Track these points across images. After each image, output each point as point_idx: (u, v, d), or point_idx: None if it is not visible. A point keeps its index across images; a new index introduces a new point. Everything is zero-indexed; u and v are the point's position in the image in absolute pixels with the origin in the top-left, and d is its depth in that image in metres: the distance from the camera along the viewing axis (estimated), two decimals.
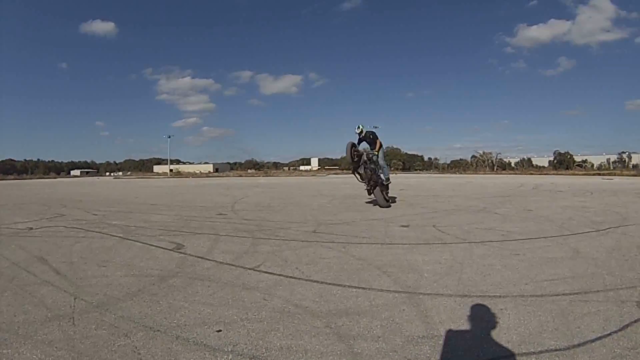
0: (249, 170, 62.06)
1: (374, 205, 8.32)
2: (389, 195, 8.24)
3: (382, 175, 8.12)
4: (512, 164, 53.22)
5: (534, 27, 79.15)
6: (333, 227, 5.67)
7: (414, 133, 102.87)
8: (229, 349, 1.84)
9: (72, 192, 15.37)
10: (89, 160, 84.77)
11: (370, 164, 7.93)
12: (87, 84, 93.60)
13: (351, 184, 19.30)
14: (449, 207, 8.10)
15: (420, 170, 55.45)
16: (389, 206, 7.88)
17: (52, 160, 78.85)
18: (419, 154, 68.15)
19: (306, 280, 3.00)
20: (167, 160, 63.05)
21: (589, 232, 5.01)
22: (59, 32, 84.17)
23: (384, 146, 8.62)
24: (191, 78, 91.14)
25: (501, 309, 2.31)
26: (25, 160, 73.27)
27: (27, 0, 76.89)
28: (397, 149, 64.75)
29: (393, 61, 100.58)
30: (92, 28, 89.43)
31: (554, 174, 32.55)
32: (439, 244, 4.34)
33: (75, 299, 2.54)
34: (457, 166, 53.91)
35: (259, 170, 61.48)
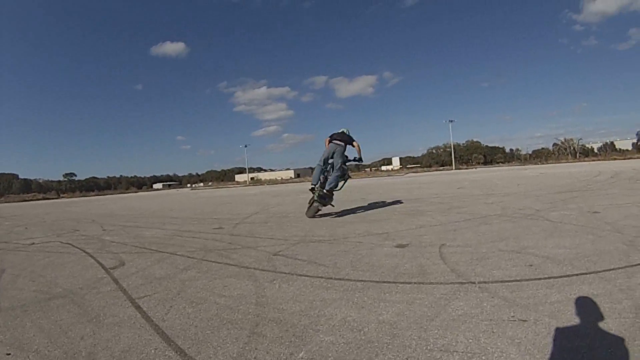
0: None
1: (405, 214, 7.39)
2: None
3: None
4: (595, 150, 51.68)
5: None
6: (309, 246, 4.87)
7: (493, 124, 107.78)
8: None
9: (120, 207, 17.14)
10: (171, 174, 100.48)
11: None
12: (163, 102, 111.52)
13: (413, 183, 19.01)
14: (492, 211, 6.77)
15: (502, 162, 54.89)
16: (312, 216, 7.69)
17: (135, 176, 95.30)
18: (500, 145, 68.11)
19: (146, 324, 2.52)
20: (248, 169, 70.75)
21: None
22: (130, 57, 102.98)
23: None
24: (267, 88, 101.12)
25: None
26: (107, 177, 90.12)
27: (97, 31, 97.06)
28: (477, 142, 66.42)
29: (463, 52, 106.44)
30: (163, 50, 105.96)
31: (638, 158, 31.99)
32: (411, 284, 3.01)
33: None
34: (539, 156, 53.77)
35: None
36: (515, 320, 2.18)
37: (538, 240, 4.20)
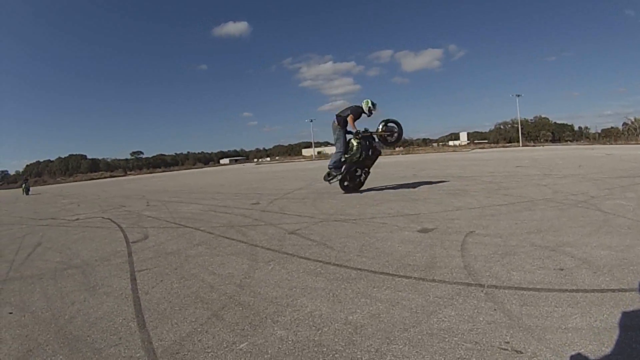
0: (397, 148, 63.96)
1: (447, 194, 7.02)
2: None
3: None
4: None
5: None
6: (330, 226, 4.86)
7: (561, 100, 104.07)
8: None
9: (175, 184, 18.40)
10: (238, 149, 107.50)
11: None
12: (229, 80, 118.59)
13: (473, 160, 18.52)
14: (541, 195, 6.37)
15: (570, 141, 56.32)
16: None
17: (202, 152, 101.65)
18: (569, 122, 66.03)
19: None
20: (315, 143, 72.76)
21: None
22: (193, 39, 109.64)
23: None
24: (332, 63, 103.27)
25: None
26: (175, 154, 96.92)
27: (160, 14, 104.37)
28: (545, 118, 65.90)
29: (528, 25, 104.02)
30: (226, 30, 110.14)
31: None
32: (410, 279, 2.78)
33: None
34: (608, 135, 53.58)
35: (405, 147, 63.18)
36: (507, 350, 1.76)
37: (581, 235, 3.64)
